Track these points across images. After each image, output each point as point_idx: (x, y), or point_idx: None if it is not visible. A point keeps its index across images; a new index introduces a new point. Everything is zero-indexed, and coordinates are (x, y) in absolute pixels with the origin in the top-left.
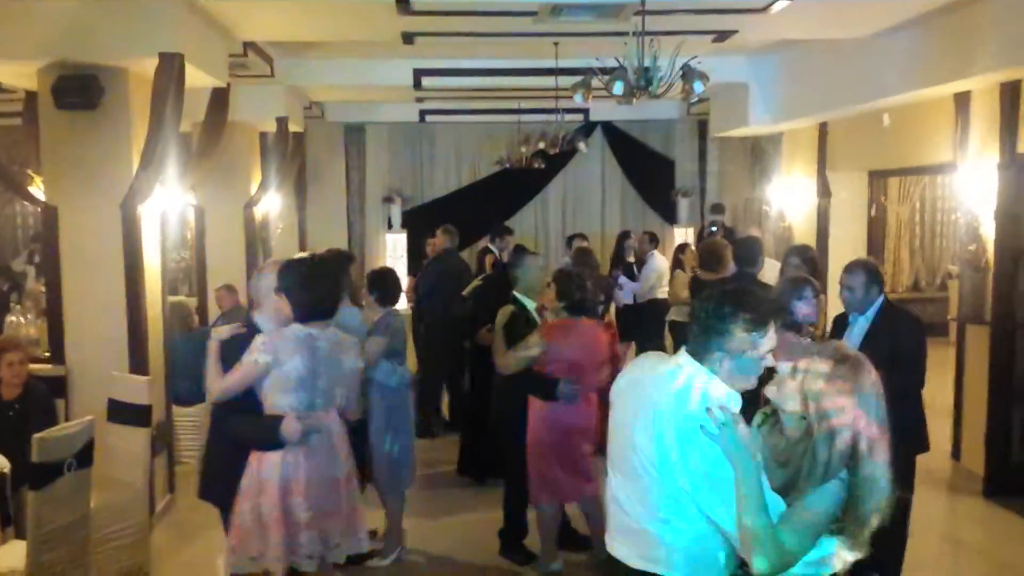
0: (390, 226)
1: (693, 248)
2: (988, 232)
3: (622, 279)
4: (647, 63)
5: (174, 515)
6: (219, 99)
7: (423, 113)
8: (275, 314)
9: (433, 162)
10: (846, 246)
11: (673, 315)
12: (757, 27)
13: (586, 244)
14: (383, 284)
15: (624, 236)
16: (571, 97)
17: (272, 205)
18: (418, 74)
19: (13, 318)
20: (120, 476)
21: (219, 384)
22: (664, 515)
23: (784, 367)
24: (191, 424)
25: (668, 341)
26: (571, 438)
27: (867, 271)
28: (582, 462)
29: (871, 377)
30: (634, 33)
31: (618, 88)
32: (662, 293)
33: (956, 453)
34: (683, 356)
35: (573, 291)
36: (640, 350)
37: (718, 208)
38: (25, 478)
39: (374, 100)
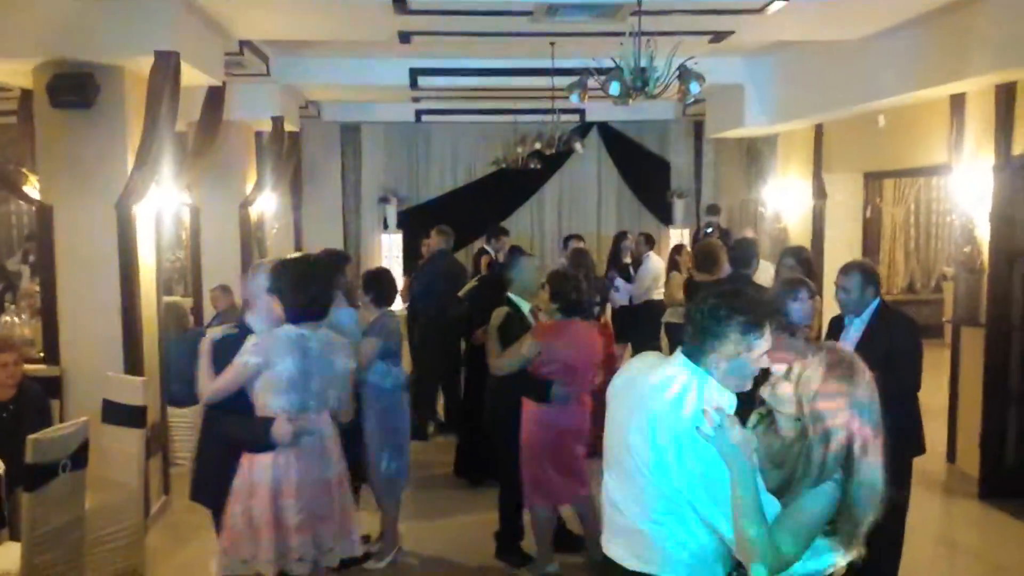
0: (386, 226)
1: (689, 249)
2: (983, 234)
3: (618, 281)
4: (643, 64)
5: (169, 517)
6: (215, 98)
7: (419, 113)
8: (267, 315)
9: (429, 162)
10: (841, 248)
11: (669, 316)
12: (753, 28)
13: (582, 245)
14: (378, 285)
15: (620, 237)
16: (567, 97)
17: (268, 205)
18: (414, 74)
19: (7, 318)
20: (115, 477)
21: (210, 386)
22: (659, 516)
23: (779, 369)
24: (186, 425)
25: (664, 342)
26: (564, 440)
27: (863, 272)
28: (575, 464)
29: (866, 378)
30: (631, 33)
31: (614, 89)
32: (658, 294)
33: (951, 455)
34: (679, 357)
35: (567, 292)
36: (636, 351)
37: (714, 209)
38: (20, 479)
39: (370, 100)
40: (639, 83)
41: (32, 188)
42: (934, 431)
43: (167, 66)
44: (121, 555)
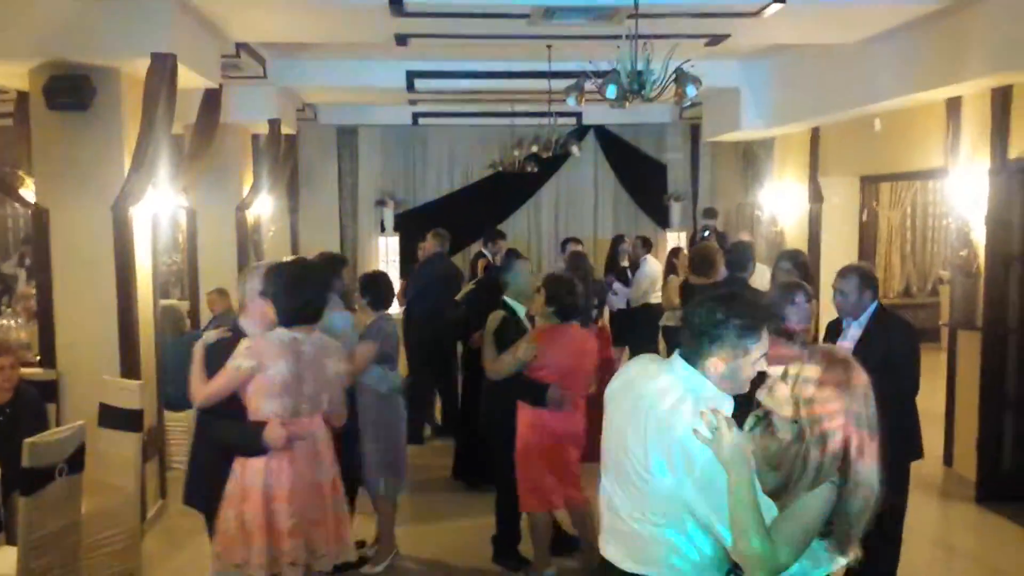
0: (383, 229)
1: (686, 252)
2: (979, 237)
3: (616, 284)
4: (640, 67)
5: (165, 521)
6: (211, 100)
7: (416, 116)
8: (260, 318)
9: (426, 165)
10: (838, 251)
11: (666, 320)
12: (750, 31)
13: (580, 248)
14: (375, 288)
15: (618, 240)
16: (564, 100)
17: (264, 208)
18: (411, 76)
19: (3, 321)
20: (111, 481)
21: (203, 390)
22: (656, 518)
23: (775, 371)
24: (183, 429)
25: (661, 346)
26: (559, 444)
27: (860, 275)
28: (570, 468)
29: (862, 380)
30: (627, 36)
31: (611, 92)
32: (655, 298)
33: (948, 459)
34: (676, 360)
35: (562, 296)
36: (633, 355)
37: (710, 213)
38: (16, 483)
39: (367, 102)
40: (636, 86)
41: (28, 191)
42: (931, 435)
43: (163, 68)
44: (117, 559)
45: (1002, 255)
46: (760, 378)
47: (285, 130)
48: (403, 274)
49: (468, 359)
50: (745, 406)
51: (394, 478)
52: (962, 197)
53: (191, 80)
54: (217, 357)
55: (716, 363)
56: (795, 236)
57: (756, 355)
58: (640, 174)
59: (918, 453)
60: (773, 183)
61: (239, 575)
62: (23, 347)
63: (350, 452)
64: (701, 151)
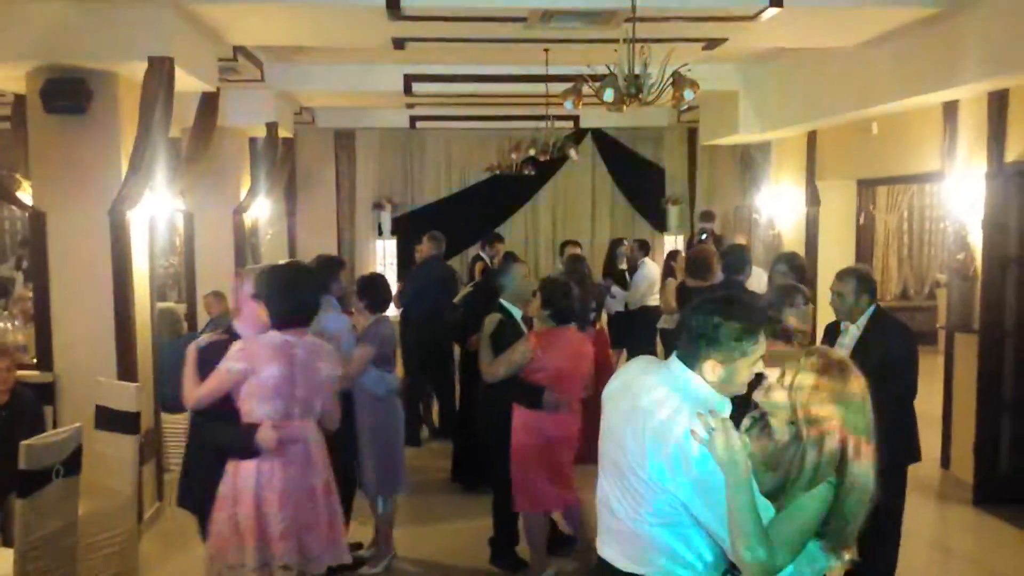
0: (380, 232)
1: (684, 256)
2: (976, 241)
3: (614, 287)
4: (638, 70)
5: (163, 523)
6: (209, 104)
7: (413, 119)
8: (254, 321)
9: (423, 168)
10: (835, 254)
11: (664, 323)
12: (747, 35)
13: (579, 251)
14: (373, 290)
15: (616, 243)
16: (561, 104)
17: (261, 211)
18: (408, 80)
19: (1, 324)
20: (108, 483)
21: (194, 392)
22: (654, 518)
23: (772, 373)
24: (180, 431)
25: (659, 348)
26: (554, 447)
27: (858, 278)
28: (564, 471)
29: (858, 381)
30: (625, 40)
31: (608, 95)
32: (653, 301)
33: (945, 461)
34: (674, 362)
35: (558, 299)
36: (631, 357)
37: (708, 216)
38: (12, 485)
39: (364, 106)
40: (633, 90)
41: (25, 194)
42: (928, 437)
43: (161, 72)
44: (114, 562)
45: (999, 258)
46: (757, 379)
47: (283, 133)
48: (400, 277)
49: (466, 362)
50: (742, 407)
51: (392, 480)
52: (959, 200)
53: (188, 84)
54: (210, 359)
55: (714, 365)
56: (792, 239)
57: (753, 357)
58: (638, 177)
59: (916, 456)
60: (770, 186)
61: None
62: (20, 349)
63: (347, 455)
64: (699, 154)
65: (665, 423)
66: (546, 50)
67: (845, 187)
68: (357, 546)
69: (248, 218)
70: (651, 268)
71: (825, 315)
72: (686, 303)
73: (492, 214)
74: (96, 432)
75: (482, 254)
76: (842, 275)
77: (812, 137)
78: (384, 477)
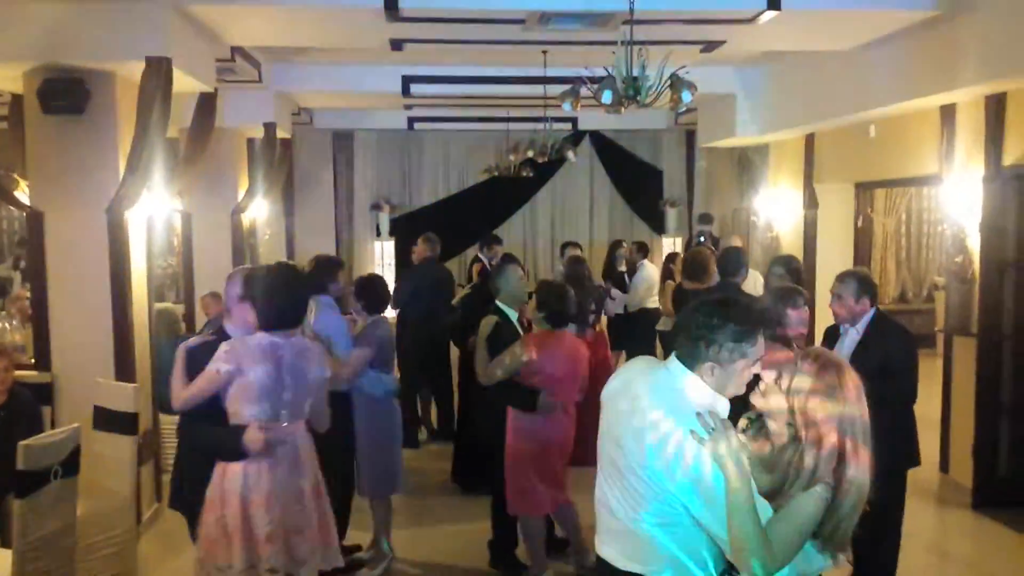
0: (378, 233)
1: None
2: (974, 244)
3: (613, 290)
4: (635, 73)
5: (161, 524)
6: (206, 104)
7: (411, 121)
8: (242, 323)
9: (421, 170)
10: (833, 257)
11: (663, 325)
12: (744, 38)
13: (579, 253)
14: (370, 291)
15: (616, 245)
16: (560, 106)
17: (259, 212)
18: (407, 81)
19: None
20: (106, 484)
21: (182, 393)
22: (652, 517)
23: (769, 374)
24: None
25: (658, 350)
26: (549, 450)
27: (858, 281)
28: (557, 473)
29: (855, 382)
30: (623, 42)
31: (606, 97)
32: (652, 302)
33: (944, 465)
34: (673, 362)
35: (552, 302)
36: (630, 359)
37: (706, 218)
38: (10, 486)
39: (363, 107)
40: (631, 92)
41: (23, 194)
42: (927, 441)
43: (159, 72)
44: (113, 562)
45: (997, 261)
46: (754, 380)
47: (281, 134)
48: (398, 278)
49: (465, 363)
50: (739, 408)
51: (388, 482)
52: (957, 204)
53: (186, 84)
54: (199, 361)
55: (712, 366)
56: (791, 242)
57: (752, 359)
58: (636, 179)
59: (916, 460)
60: (768, 189)
61: None
62: (18, 349)
63: (346, 456)
64: (696, 156)
65: (664, 424)
66: (544, 52)
67: (843, 190)
68: (356, 548)
69: (246, 219)
70: (650, 270)
71: (823, 318)
72: (683, 305)
73: (490, 216)
74: (94, 433)
75: (481, 256)
76: (842, 278)
77: (810, 140)
78: (381, 478)
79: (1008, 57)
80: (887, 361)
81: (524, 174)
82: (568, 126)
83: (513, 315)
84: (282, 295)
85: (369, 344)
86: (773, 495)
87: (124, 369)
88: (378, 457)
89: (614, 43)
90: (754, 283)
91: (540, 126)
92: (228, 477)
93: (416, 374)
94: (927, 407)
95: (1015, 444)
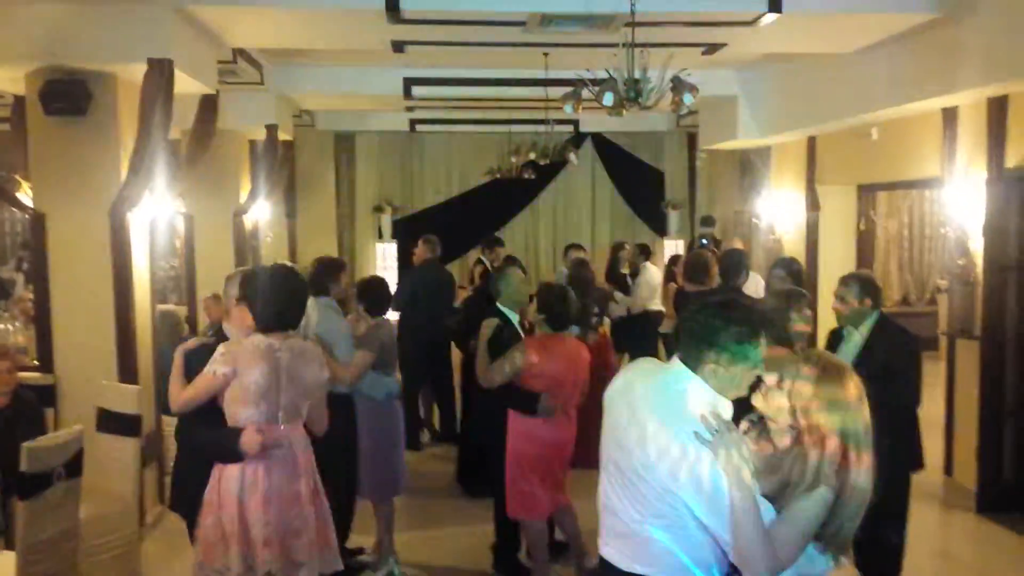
0: (380, 235)
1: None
2: (976, 246)
3: (616, 293)
4: (637, 75)
5: (164, 526)
6: (208, 106)
7: (413, 123)
8: (240, 324)
9: (423, 172)
10: (835, 260)
11: (666, 328)
12: (746, 40)
13: (583, 255)
14: (372, 293)
15: (618, 247)
16: (561, 108)
17: (262, 214)
18: (408, 83)
19: (1, 325)
20: (110, 486)
21: (180, 396)
22: (655, 518)
23: (771, 377)
24: None
25: (661, 352)
26: (549, 453)
27: (861, 284)
28: (556, 476)
29: (856, 384)
30: (624, 45)
31: (608, 99)
32: (655, 305)
33: (948, 468)
34: (676, 364)
35: (552, 304)
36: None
37: (709, 221)
38: (14, 488)
39: (364, 109)
40: (633, 94)
41: (25, 195)
42: (930, 444)
43: (160, 74)
44: (116, 565)
45: (999, 264)
46: (756, 382)
47: (282, 136)
48: (398, 280)
49: (468, 365)
50: (744, 409)
51: (390, 484)
52: (959, 206)
53: (188, 86)
54: (198, 363)
55: (714, 368)
56: (793, 244)
57: (754, 360)
58: (637, 181)
59: (919, 463)
60: (770, 191)
61: None
62: (21, 351)
63: (348, 458)
64: (698, 159)
65: (667, 425)
66: (546, 54)
67: (845, 192)
68: (359, 551)
69: (248, 220)
70: (652, 272)
71: (826, 321)
72: (684, 307)
73: (492, 218)
74: (97, 435)
75: (482, 258)
76: (846, 280)
77: (812, 142)
78: (383, 481)
79: (1010, 59)
80: (890, 364)
81: (526, 176)
82: (570, 128)
83: (514, 317)
84: (280, 296)
85: (372, 347)
86: (775, 497)
87: (127, 371)
88: (380, 459)
89: (615, 45)
90: (755, 286)
91: (542, 128)
92: (225, 479)
93: (418, 376)
94: (930, 410)
95: (1019, 447)
